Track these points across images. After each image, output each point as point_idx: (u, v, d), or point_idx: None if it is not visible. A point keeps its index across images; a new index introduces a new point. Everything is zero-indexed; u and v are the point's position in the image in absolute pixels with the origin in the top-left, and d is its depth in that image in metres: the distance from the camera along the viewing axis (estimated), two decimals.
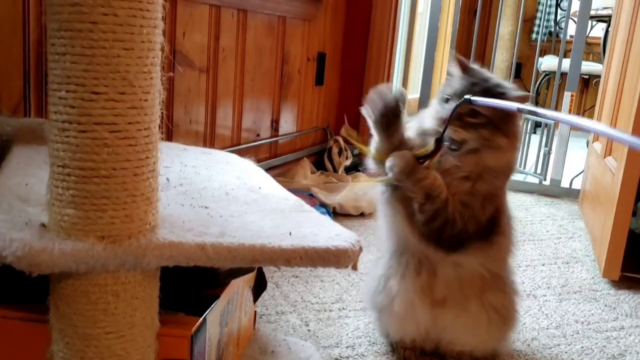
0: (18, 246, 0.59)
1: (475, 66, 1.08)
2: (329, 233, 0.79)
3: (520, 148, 1.07)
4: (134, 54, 0.60)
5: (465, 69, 1.06)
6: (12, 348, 0.75)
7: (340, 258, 0.74)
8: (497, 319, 1.13)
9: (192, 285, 0.86)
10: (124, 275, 0.63)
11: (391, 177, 1.03)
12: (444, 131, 1.00)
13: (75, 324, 0.63)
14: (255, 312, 1.19)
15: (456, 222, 1.04)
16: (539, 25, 5.27)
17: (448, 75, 1.08)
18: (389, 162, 1.03)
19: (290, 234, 0.76)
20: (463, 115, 1.00)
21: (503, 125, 1.02)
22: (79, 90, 0.59)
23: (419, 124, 1.11)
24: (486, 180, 1.04)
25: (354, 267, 0.79)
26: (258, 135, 2.25)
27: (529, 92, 3.70)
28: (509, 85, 1.05)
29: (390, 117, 1.06)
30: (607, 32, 3.77)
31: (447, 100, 1.04)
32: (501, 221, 1.11)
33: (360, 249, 0.78)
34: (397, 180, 1.03)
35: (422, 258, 1.12)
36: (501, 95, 1.00)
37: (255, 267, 1.08)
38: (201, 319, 0.79)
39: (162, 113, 0.67)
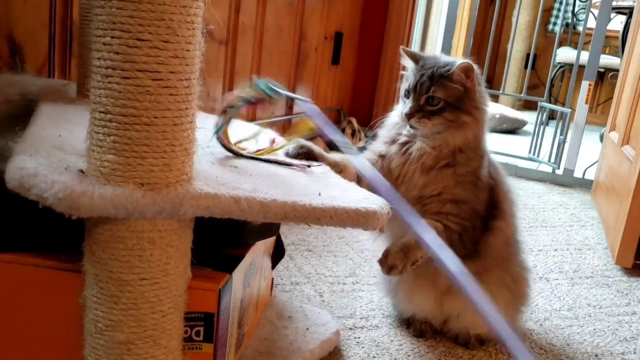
0: (59, 188, 0.59)
1: (424, 54, 1.12)
2: (357, 196, 0.80)
3: (484, 126, 1.11)
4: (179, 3, 0.60)
5: (415, 59, 1.10)
6: (43, 296, 0.77)
7: (369, 219, 0.75)
8: (501, 293, 1.14)
9: (219, 243, 0.87)
10: (161, 223, 0.64)
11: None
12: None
13: (110, 269, 0.64)
14: (273, 279, 1.20)
15: (467, 230, 1.06)
16: (556, 16, 5.24)
17: (403, 71, 1.13)
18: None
19: (319, 194, 0.77)
20: (423, 106, 1.06)
21: (462, 104, 1.06)
22: (123, 36, 0.60)
23: (386, 131, 1.15)
24: (462, 162, 1.07)
25: (381, 230, 0.79)
26: (273, 112, 2.25)
27: (542, 82, 3.65)
28: (455, 61, 1.08)
29: None
30: (627, 24, 3.74)
31: (407, 94, 1.09)
32: (502, 205, 1.12)
33: (388, 213, 0.79)
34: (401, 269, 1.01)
35: None
36: (447, 72, 1.05)
37: (276, 232, 1.08)
38: (229, 274, 0.80)
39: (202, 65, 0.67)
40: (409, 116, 1.06)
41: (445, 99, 1.05)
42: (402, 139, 1.11)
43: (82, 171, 0.65)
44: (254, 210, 0.68)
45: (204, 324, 0.77)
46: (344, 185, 0.87)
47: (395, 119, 1.13)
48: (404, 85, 1.10)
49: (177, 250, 0.67)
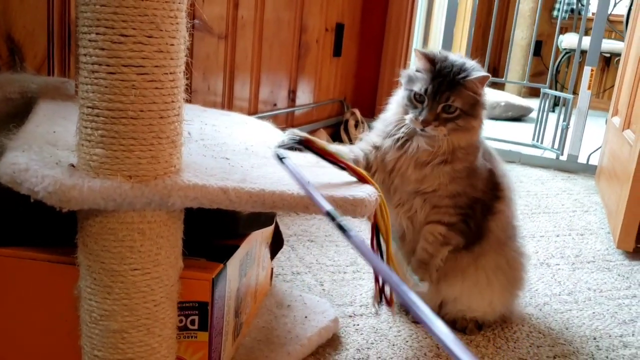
0: (50, 182, 0.61)
1: (440, 54, 1.09)
2: (347, 184, 0.81)
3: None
4: None
5: (431, 61, 1.07)
6: (41, 288, 0.79)
7: (357, 207, 0.76)
8: (497, 277, 1.16)
9: (213, 234, 0.89)
10: (150, 214, 0.66)
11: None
12: None
13: (102, 260, 0.66)
14: (272, 269, 1.21)
15: (469, 216, 1.09)
16: (560, 2, 5.19)
17: (417, 72, 1.09)
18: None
19: (308, 183, 0.78)
20: (439, 113, 1.04)
21: (473, 110, 1.06)
22: (108, 32, 0.61)
23: (383, 126, 1.14)
24: (460, 157, 1.08)
25: (370, 218, 0.80)
26: (275, 105, 2.26)
27: (548, 69, 3.64)
28: (472, 66, 1.07)
29: None
30: (630, 8, 3.71)
31: (419, 98, 1.06)
32: (501, 186, 1.14)
33: (377, 200, 0.80)
34: None
35: (413, 241, 1.15)
36: (463, 79, 1.04)
37: (273, 222, 1.10)
38: (222, 264, 0.82)
39: (188, 59, 0.68)
40: (425, 123, 1.04)
41: (462, 108, 1.04)
42: (399, 134, 1.10)
43: (73, 165, 0.67)
44: (242, 200, 0.70)
45: (198, 313, 0.79)
46: (334, 174, 0.88)
47: (393, 117, 1.11)
48: (415, 87, 1.07)
49: (167, 241, 0.68)
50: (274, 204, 0.72)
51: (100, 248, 0.66)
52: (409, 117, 1.07)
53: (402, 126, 1.09)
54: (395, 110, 1.13)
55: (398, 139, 1.10)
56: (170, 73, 0.65)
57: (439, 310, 1.20)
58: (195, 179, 0.68)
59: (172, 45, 0.64)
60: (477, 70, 1.06)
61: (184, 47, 0.67)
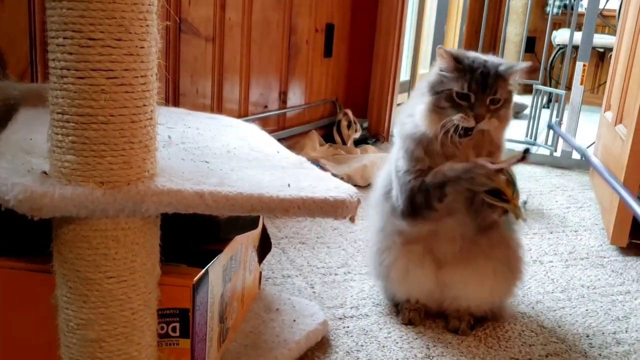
0: (20, 190, 0.60)
1: (465, 53, 1.09)
2: (328, 186, 0.80)
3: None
4: (129, 0, 0.61)
5: (458, 60, 1.06)
6: (19, 297, 0.78)
7: (337, 208, 0.75)
8: (503, 269, 1.16)
9: (194, 240, 0.87)
10: (124, 221, 0.65)
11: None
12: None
13: (77, 268, 0.65)
14: (261, 272, 1.20)
15: None
16: None
17: (441, 72, 1.08)
18: None
19: (288, 185, 0.77)
20: (488, 105, 1.05)
21: (510, 98, 1.08)
22: (75, 36, 0.60)
23: (413, 125, 1.11)
24: (496, 155, 1.11)
25: (352, 219, 0.79)
26: (266, 107, 2.25)
27: (541, 65, 3.65)
28: (504, 61, 1.09)
29: None
30: (622, 2, 3.70)
31: (461, 96, 1.04)
32: None
33: (359, 201, 0.79)
34: None
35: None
36: (506, 71, 1.05)
37: (258, 225, 1.09)
38: (203, 270, 0.80)
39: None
40: (480, 118, 1.03)
41: (504, 98, 1.06)
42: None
43: (45, 173, 0.66)
44: (219, 204, 0.69)
45: (179, 320, 0.78)
46: (317, 175, 0.87)
47: (431, 127, 1.07)
48: (452, 86, 1.05)
49: (143, 248, 0.67)
50: (252, 207, 0.71)
51: (75, 256, 0.65)
52: (456, 117, 1.04)
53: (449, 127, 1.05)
54: (426, 121, 1.08)
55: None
56: (141, 76, 0.63)
57: (440, 304, 1.20)
58: (170, 183, 0.67)
59: (142, 47, 0.63)
60: (515, 63, 1.08)
61: (156, 49, 0.66)
